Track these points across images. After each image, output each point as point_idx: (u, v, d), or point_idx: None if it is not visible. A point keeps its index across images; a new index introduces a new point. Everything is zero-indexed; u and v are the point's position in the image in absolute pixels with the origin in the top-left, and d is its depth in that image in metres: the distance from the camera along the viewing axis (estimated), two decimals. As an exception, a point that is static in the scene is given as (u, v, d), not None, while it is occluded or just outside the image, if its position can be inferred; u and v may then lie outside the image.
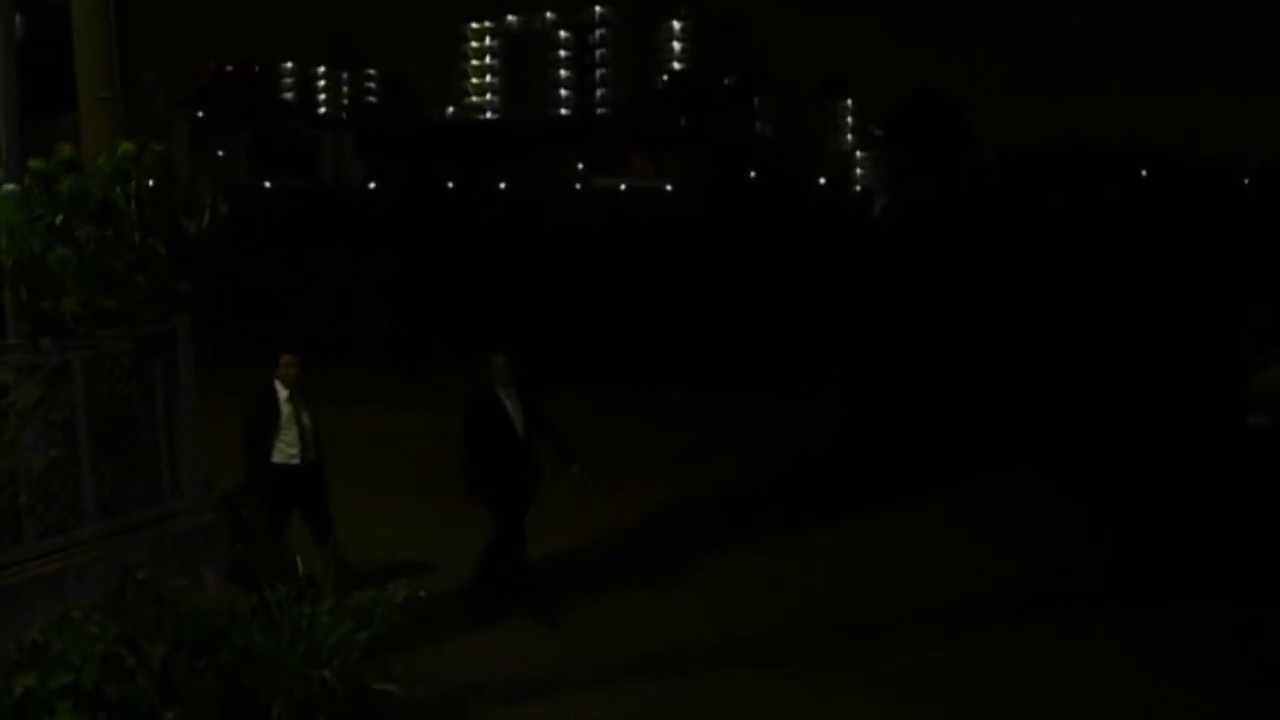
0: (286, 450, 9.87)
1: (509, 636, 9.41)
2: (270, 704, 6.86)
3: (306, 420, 9.98)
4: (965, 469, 14.61)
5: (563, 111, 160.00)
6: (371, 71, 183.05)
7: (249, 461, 9.82)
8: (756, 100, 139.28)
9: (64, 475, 7.15)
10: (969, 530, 12.31)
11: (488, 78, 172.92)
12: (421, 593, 7.77)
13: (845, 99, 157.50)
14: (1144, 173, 79.42)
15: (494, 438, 9.76)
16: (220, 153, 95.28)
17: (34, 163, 7.34)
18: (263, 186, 78.24)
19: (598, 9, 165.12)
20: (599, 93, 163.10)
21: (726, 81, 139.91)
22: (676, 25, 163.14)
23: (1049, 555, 11.49)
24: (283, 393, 9.95)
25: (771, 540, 11.88)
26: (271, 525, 9.27)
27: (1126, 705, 8.33)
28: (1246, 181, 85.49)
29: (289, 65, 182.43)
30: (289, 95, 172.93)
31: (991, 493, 13.59)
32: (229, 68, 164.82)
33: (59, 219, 7.27)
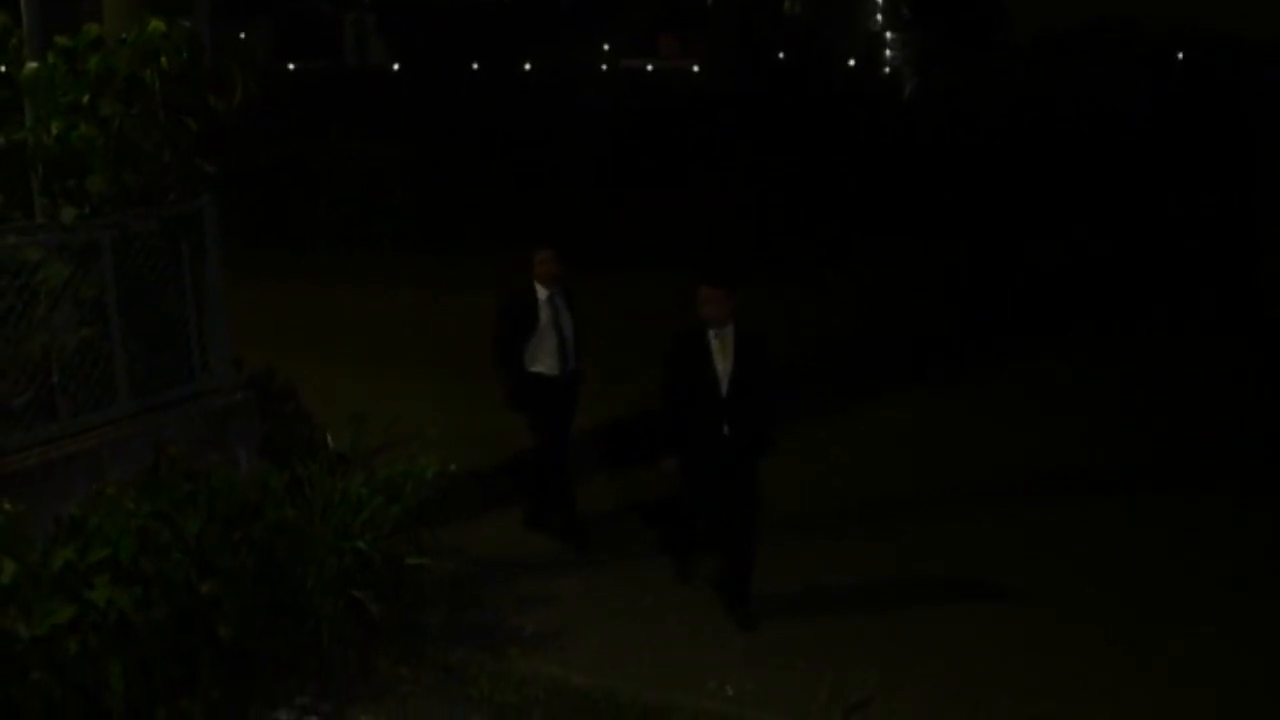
0: (544, 360, 8.76)
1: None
2: (304, 577, 7.00)
3: (568, 326, 8.83)
4: (994, 351, 14.56)
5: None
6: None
7: (500, 370, 8.87)
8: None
9: (95, 353, 7.21)
10: (998, 411, 12.28)
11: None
12: (452, 467, 7.85)
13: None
14: (1180, 56, 77.77)
15: (690, 390, 7.80)
16: (242, 35, 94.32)
17: (60, 40, 7.29)
18: (286, 69, 77.51)
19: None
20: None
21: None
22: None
23: (1078, 436, 11.47)
24: (542, 293, 8.75)
25: (799, 422, 11.90)
26: (544, 439, 8.92)
27: (1158, 579, 8.41)
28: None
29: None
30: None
31: (1021, 375, 13.53)
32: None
33: (85, 98, 7.24)
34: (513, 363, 8.78)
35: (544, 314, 8.73)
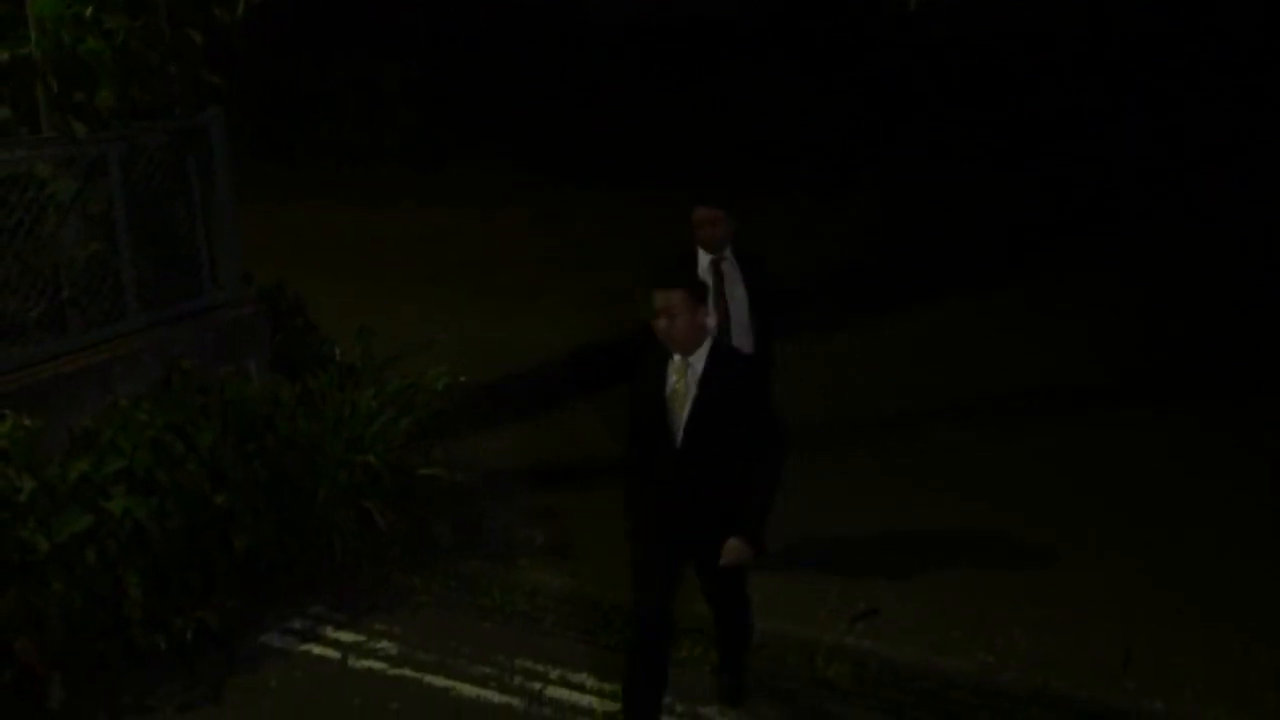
0: None
1: (551, 426, 9.58)
2: (316, 489, 7.08)
3: (737, 302, 6.92)
4: (1008, 267, 14.47)
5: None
6: None
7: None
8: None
9: (105, 268, 7.24)
10: (1008, 325, 12.24)
11: None
12: (462, 379, 7.89)
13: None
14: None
15: (645, 433, 5.54)
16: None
17: (63, -48, 7.21)
18: (286, -16, 76.44)
19: None
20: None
21: None
22: None
23: (1088, 352, 11.42)
24: (703, 260, 6.91)
25: (806, 335, 11.89)
26: None
27: (1153, 493, 8.44)
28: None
29: None
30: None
31: (1035, 289, 13.45)
32: None
33: (89, 11, 7.18)
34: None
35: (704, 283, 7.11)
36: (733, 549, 5.39)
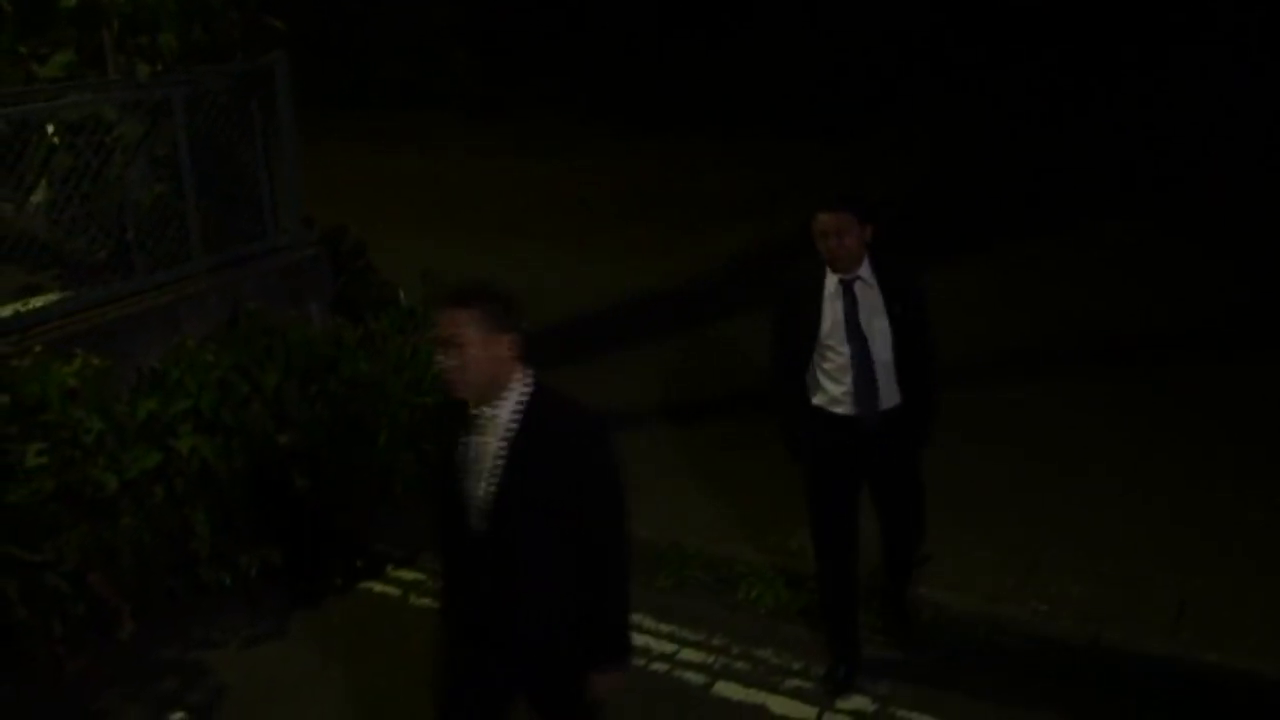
0: (829, 388, 5.42)
1: (609, 371, 9.63)
2: (378, 430, 7.16)
3: (878, 335, 5.34)
4: (1058, 216, 14.34)
5: None
6: None
7: (770, 397, 5.82)
8: None
9: (170, 210, 7.33)
10: (1062, 276, 12.14)
11: None
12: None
13: None
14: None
15: (448, 505, 4.01)
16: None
17: (124, -104, 7.26)
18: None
19: None
20: None
21: None
22: None
23: (1134, 302, 11.33)
24: (830, 282, 5.35)
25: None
26: (814, 520, 5.74)
27: (1207, 446, 8.37)
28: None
29: None
30: None
31: (1078, 239, 13.32)
32: None
33: (153, -46, 7.24)
34: (785, 387, 5.59)
35: (829, 313, 5.36)
36: (599, 683, 4.02)
